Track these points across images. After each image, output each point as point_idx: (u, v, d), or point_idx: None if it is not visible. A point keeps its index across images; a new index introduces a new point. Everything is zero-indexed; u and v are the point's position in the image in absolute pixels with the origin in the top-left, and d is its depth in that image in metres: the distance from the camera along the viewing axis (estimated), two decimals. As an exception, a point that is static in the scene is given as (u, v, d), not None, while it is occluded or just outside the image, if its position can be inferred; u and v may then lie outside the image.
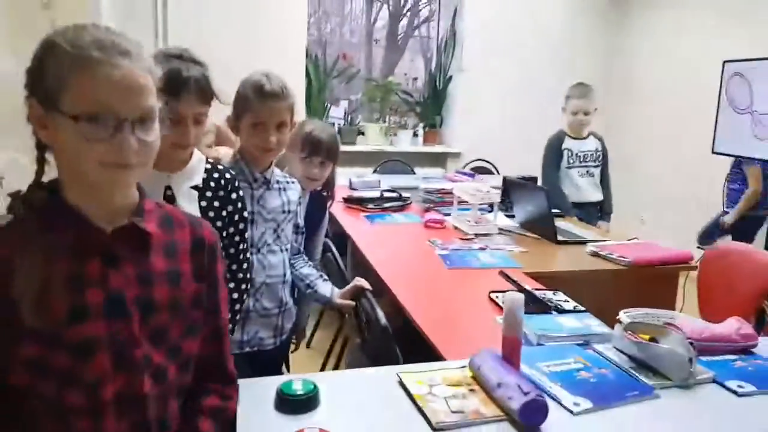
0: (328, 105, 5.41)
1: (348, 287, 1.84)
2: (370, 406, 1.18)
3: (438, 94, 5.54)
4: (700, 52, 4.62)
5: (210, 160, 1.40)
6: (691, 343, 1.38)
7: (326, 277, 1.88)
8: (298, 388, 1.14)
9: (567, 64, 5.40)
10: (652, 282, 2.37)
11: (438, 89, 5.52)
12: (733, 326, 1.52)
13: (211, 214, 1.36)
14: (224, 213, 1.38)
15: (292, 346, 1.99)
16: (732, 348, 1.46)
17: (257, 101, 1.56)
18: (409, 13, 8.95)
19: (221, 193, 1.38)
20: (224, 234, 1.37)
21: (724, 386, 1.30)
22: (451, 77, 5.48)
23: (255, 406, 1.12)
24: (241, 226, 1.43)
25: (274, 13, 4.79)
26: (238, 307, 1.44)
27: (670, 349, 1.33)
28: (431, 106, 5.58)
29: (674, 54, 4.96)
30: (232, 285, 1.41)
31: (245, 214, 1.44)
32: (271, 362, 1.72)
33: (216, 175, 1.39)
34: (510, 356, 1.27)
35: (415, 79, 6.04)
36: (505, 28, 5.32)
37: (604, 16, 5.53)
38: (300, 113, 5.09)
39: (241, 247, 1.43)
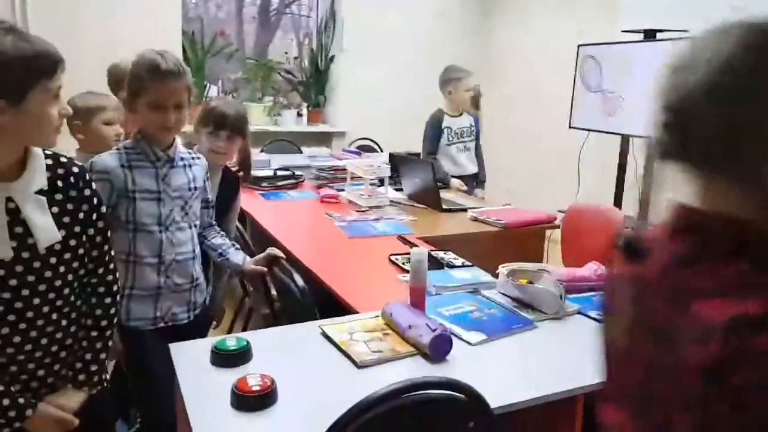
0: (207, 84, 5.29)
1: (261, 255, 1.90)
2: (298, 354, 1.31)
3: (320, 74, 5.62)
4: (559, 36, 5.13)
5: (48, 152, 1.19)
6: (561, 284, 1.67)
7: (238, 246, 1.94)
8: (231, 343, 1.24)
9: (443, 44, 5.72)
10: (523, 240, 2.70)
11: (320, 69, 5.61)
12: (592, 269, 1.83)
13: (66, 219, 1.18)
14: (81, 215, 1.20)
15: (214, 323, 2.04)
16: (592, 286, 1.77)
17: (153, 81, 1.56)
18: (281, -11, 8.86)
19: (72, 192, 1.19)
20: (84, 238, 1.21)
21: (587, 316, 1.59)
22: (333, 57, 5.58)
23: (193, 364, 1.21)
24: (101, 224, 1.25)
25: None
26: (114, 311, 1.30)
27: (544, 288, 1.60)
28: (314, 85, 5.65)
29: (537, 36, 5.46)
30: (102, 290, 1.27)
31: (103, 209, 1.27)
32: (188, 337, 1.76)
33: (61, 171, 1.18)
34: (417, 303, 1.46)
35: (296, 58, 6.07)
36: (385, 8, 5.52)
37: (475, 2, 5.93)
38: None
39: (105, 248, 1.27)
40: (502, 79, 5.92)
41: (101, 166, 1.56)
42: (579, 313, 1.60)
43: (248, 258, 1.90)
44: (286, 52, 6.02)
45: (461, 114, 3.69)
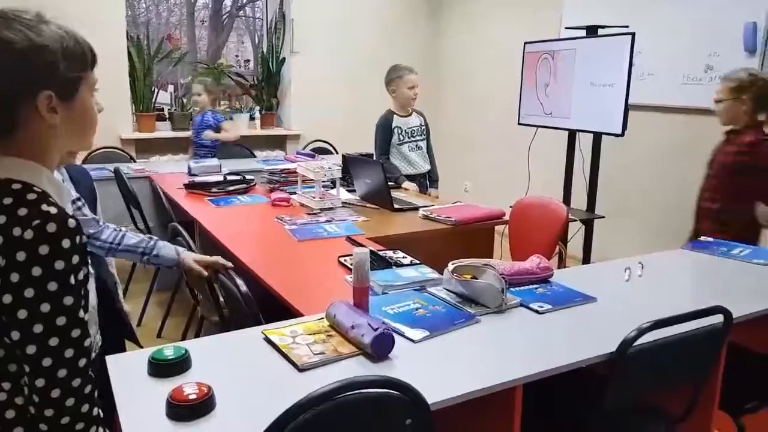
0: (155, 89, 5.19)
1: (204, 257, 1.83)
2: (239, 361, 1.30)
3: (272, 77, 5.58)
4: (506, 34, 5.23)
5: None
6: (503, 278, 1.70)
7: (155, 237, 1.81)
8: (169, 353, 1.22)
9: (393, 44, 5.76)
10: (473, 237, 2.75)
11: (272, 72, 5.57)
12: (534, 262, 1.87)
13: None
14: None
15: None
16: (534, 278, 1.81)
17: None
18: (232, -8, 8.74)
19: None
20: None
21: (529, 308, 1.62)
22: (284, 59, 5.55)
23: (129, 376, 1.19)
24: None
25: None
26: None
27: (486, 283, 1.63)
28: (266, 88, 5.61)
29: (484, 36, 5.55)
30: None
31: None
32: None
33: None
34: (360, 303, 1.47)
35: (247, 61, 6.01)
36: (335, 9, 5.52)
37: (422, 2, 5.98)
38: (124, 99, 4.84)
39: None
40: (453, 79, 6.00)
41: None
42: (521, 305, 1.64)
43: (182, 250, 1.81)
44: (237, 56, 5.96)
45: (410, 114, 3.72)
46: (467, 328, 1.49)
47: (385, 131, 3.65)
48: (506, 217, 2.82)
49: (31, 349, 0.87)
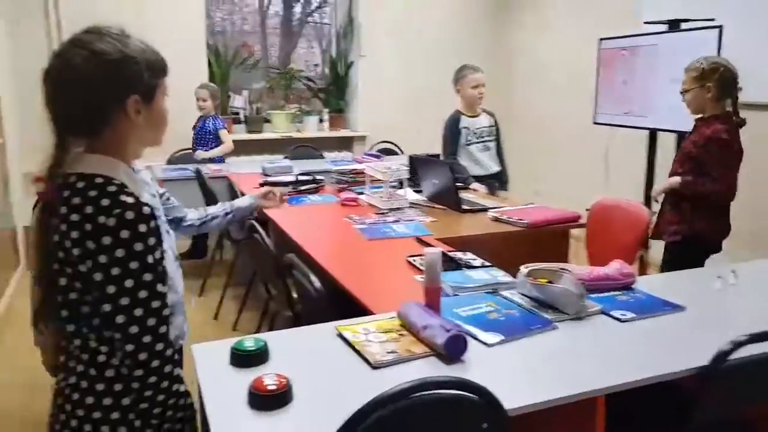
0: (231, 95, 5.38)
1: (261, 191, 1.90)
2: (314, 355, 1.32)
3: (340, 80, 5.67)
4: (579, 29, 5.06)
5: None
6: (582, 283, 1.64)
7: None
8: (250, 344, 1.26)
9: (460, 45, 5.71)
10: (546, 240, 2.67)
11: (340, 75, 5.65)
12: (615, 267, 1.79)
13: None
14: None
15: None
16: (615, 285, 1.73)
17: None
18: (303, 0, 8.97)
19: None
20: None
21: (610, 315, 1.55)
22: (352, 63, 5.62)
23: (213, 365, 1.23)
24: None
25: (168, 4, 4.69)
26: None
27: (563, 288, 1.57)
28: (335, 91, 5.70)
29: (555, 32, 5.39)
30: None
31: None
32: None
33: None
34: (432, 304, 1.45)
35: (317, 65, 6.13)
36: (402, 12, 5.54)
37: (490, 3, 5.89)
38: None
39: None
40: (523, 79, 5.88)
41: None
42: (602, 312, 1.57)
43: (250, 196, 1.86)
44: (307, 61, 6.08)
45: (479, 114, 3.66)
46: (544, 334, 1.45)
47: (452, 131, 3.61)
48: (582, 220, 2.73)
49: (120, 319, 1.00)
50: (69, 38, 1.07)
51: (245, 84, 5.86)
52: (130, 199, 1.01)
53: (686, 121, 3.44)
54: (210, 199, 3.48)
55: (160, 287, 1.02)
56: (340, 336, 1.38)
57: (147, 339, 1.01)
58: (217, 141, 4.53)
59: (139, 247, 0.99)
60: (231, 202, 1.82)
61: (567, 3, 5.25)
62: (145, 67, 1.09)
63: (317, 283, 1.66)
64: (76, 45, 1.04)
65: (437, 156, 3.67)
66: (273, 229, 2.80)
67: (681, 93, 2.64)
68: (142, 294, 1.00)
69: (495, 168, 3.70)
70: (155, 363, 1.02)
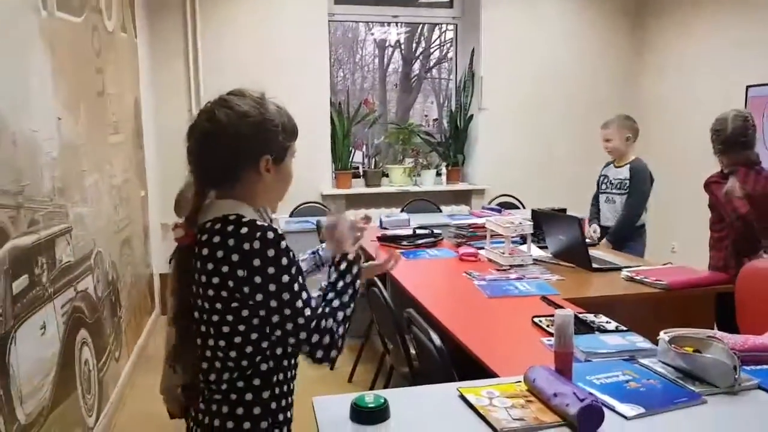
0: (352, 150, 5.60)
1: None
2: (435, 417, 1.27)
3: (459, 133, 5.71)
4: (722, 75, 4.71)
5: None
6: (735, 353, 1.45)
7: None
8: (369, 401, 1.24)
9: (584, 99, 5.56)
10: (688, 304, 2.43)
11: (459, 128, 5.70)
12: (773, 337, 1.58)
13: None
14: None
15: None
16: (774, 357, 1.52)
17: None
18: (421, 56, 9.31)
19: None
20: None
21: (768, 391, 1.36)
22: (471, 116, 5.65)
23: (332, 419, 1.23)
24: None
25: (298, 65, 5.05)
26: None
27: (714, 358, 1.40)
28: (453, 145, 5.74)
29: (695, 80, 5.05)
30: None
31: None
32: None
33: None
34: (563, 369, 1.36)
35: (435, 119, 6.25)
36: (523, 65, 5.51)
37: (621, 49, 5.70)
38: (326, 159, 5.30)
39: None
40: (656, 128, 5.54)
41: None
42: (759, 387, 1.38)
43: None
44: (426, 115, 6.23)
45: (623, 166, 3.51)
46: (690, 409, 1.29)
47: (598, 177, 3.66)
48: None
49: (289, 326, 1.12)
50: (215, 98, 1.17)
51: (366, 139, 6.11)
52: (264, 223, 1.11)
53: None
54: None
55: (304, 295, 1.12)
56: (462, 398, 1.32)
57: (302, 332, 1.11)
58: None
59: (284, 261, 1.09)
60: (316, 251, 1.76)
61: (710, 47, 4.92)
62: (281, 130, 1.16)
63: (437, 341, 1.62)
64: (222, 105, 1.14)
65: (563, 210, 3.54)
66: (390, 282, 2.81)
67: None
68: (299, 303, 1.11)
69: (610, 222, 3.49)
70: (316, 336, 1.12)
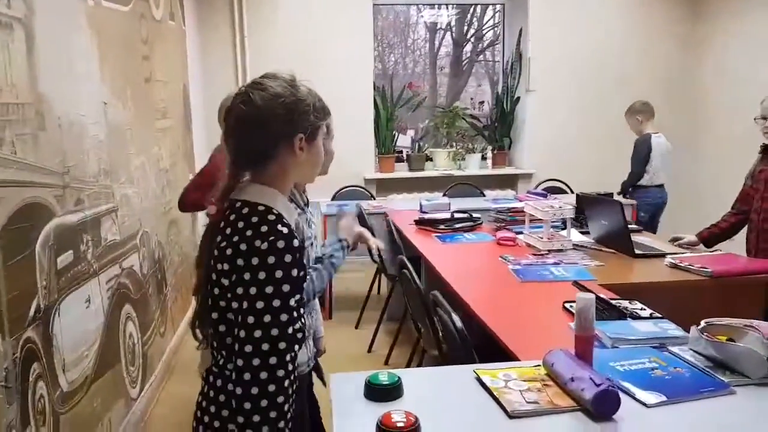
0: (396, 133, 5.59)
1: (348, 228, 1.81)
2: (448, 396, 1.27)
3: (505, 116, 5.59)
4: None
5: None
6: (772, 343, 1.38)
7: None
8: (384, 379, 1.26)
9: (633, 81, 5.35)
10: (735, 293, 2.32)
11: (506, 111, 5.58)
12: (817, 328, 1.49)
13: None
14: None
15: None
16: (817, 349, 1.43)
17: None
18: (473, 39, 9.14)
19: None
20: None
21: (805, 386, 1.29)
22: (518, 98, 5.53)
23: (347, 395, 1.25)
24: None
25: (342, 49, 5.07)
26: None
27: (747, 348, 1.34)
28: (499, 128, 5.64)
29: (744, 75, 4.78)
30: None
31: None
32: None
33: None
34: (583, 354, 1.33)
35: (482, 102, 6.14)
36: (571, 46, 5.34)
37: (677, 23, 5.43)
38: (369, 143, 5.32)
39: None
40: (710, 116, 5.28)
41: None
42: (796, 381, 1.30)
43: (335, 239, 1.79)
44: (472, 98, 6.13)
45: None
46: (717, 399, 1.24)
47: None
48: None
49: (241, 333, 1.06)
50: (249, 82, 1.21)
51: (412, 124, 6.08)
52: (285, 230, 1.10)
53: None
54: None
55: (283, 317, 1.06)
56: (478, 380, 1.32)
57: (256, 362, 1.04)
58: None
59: (279, 274, 1.06)
60: (324, 248, 1.80)
61: (761, 44, 4.63)
62: (312, 110, 1.19)
63: (458, 323, 1.61)
64: (256, 87, 1.17)
65: (610, 195, 3.43)
66: (425, 265, 2.81)
67: None
68: (266, 318, 1.05)
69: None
70: (270, 389, 1.04)
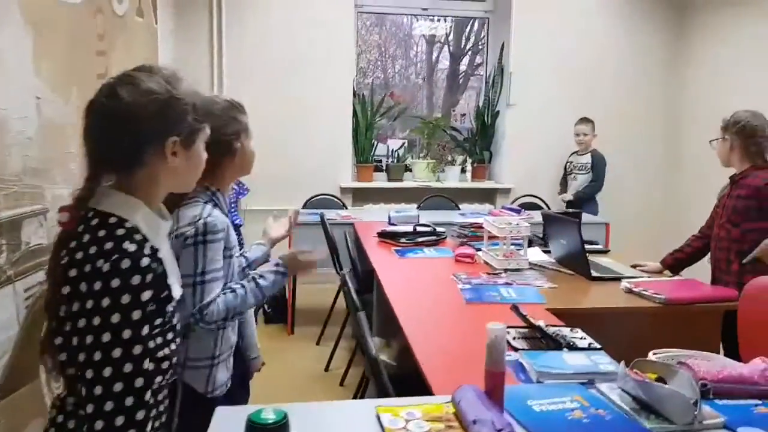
0: (375, 142, 5.49)
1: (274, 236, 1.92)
2: (339, 437, 1.15)
3: (486, 130, 5.50)
4: (761, 85, 4.37)
5: None
6: (705, 385, 1.28)
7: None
8: (268, 416, 1.13)
9: (622, 95, 5.28)
10: (692, 321, 2.21)
11: (486, 125, 5.49)
12: (758, 367, 1.38)
13: None
14: None
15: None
16: (753, 391, 1.32)
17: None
18: (470, 53, 9.09)
19: None
20: None
21: (734, 432, 1.18)
22: (498, 112, 5.44)
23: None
24: None
25: (323, 55, 4.97)
26: None
27: (673, 389, 1.22)
28: (479, 141, 5.55)
29: (736, 84, 4.71)
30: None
31: None
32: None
33: None
34: (492, 391, 1.21)
35: (464, 115, 6.05)
36: (553, 62, 5.27)
37: (654, 51, 5.37)
38: (347, 151, 5.22)
39: None
40: (695, 125, 5.19)
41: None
42: (725, 427, 1.19)
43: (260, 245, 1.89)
44: (453, 110, 6.04)
45: (586, 153, 4.84)
46: (635, 449, 1.12)
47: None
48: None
49: (89, 374, 0.92)
50: (119, 74, 1.07)
51: (398, 134, 5.98)
52: (132, 247, 0.96)
53: None
54: (330, 244, 3.51)
55: (137, 349, 0.93)
56: (378, 418, 1.20)
57: (109, 406, 0.91)
58: None
59: (125, 299, 0.93)
60: (248, 255, 1.84)
61: (752, 39, 4.55)
62: (191, 111, 1.07)
63: (373, 351, 1.49)
64: (125, 81, 1.03)
65: (579, 215, 3.32)
66: (376, 282, 2.69)
67: None
68: (116, 353, 0.92)
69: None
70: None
